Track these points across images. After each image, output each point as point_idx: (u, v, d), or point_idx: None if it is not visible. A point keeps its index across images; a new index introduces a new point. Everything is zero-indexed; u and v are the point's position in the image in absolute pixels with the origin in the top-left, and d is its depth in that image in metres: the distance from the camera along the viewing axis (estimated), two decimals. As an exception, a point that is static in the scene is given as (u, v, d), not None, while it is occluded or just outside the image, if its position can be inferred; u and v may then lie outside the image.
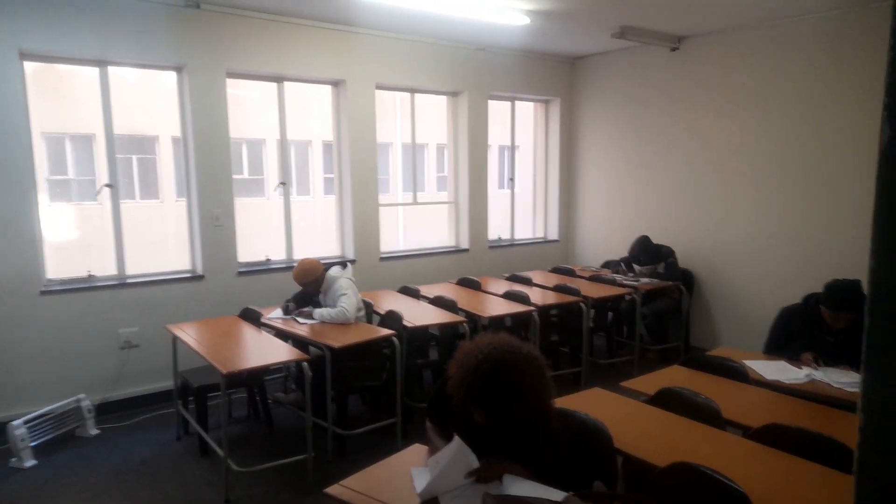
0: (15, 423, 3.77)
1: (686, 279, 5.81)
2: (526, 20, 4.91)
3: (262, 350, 3.69)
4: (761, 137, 5.38)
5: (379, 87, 5.68)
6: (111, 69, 4.51)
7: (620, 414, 2.67)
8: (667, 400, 2.80)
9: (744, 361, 3.25)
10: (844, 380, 3.01)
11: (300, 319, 4.12)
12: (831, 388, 2.98)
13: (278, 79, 5.22)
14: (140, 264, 4.80)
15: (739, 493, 1.93)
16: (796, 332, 3.49)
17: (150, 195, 9.38)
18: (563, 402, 2.53)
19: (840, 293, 3.29)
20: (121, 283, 4.61)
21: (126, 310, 4.58)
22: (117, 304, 4.55)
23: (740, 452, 2.35)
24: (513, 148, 6.98)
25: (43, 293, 4.26)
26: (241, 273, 5.05)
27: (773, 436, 2.40)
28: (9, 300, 4.13)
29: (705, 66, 5.72)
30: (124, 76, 4.65)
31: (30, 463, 3.75)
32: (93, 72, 4.47)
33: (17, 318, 4.16)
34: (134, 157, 9.10)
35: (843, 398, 2.86)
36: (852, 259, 4.78)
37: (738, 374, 3.14)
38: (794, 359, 3.35)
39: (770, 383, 3.08)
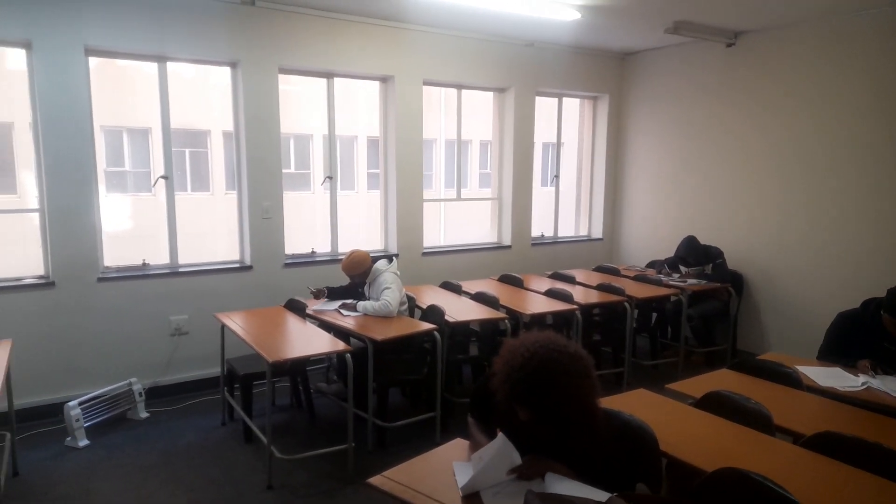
0: (70, 403, 3.94)
1: (735, 281, 5.65)
2: (577, 15, 4.84)
3: (307, 340, 3.76)
4: (818, 137, 5.17)
5: (426, 83, 5.70)
6: (169, 65, 4.66)
7: (665, 416, 2.61)
8: (714, 403, 2.73)
9: (796, 367, 3.14)
10: (905, 389, 2.87)
11: (344, 312, 4.17)
12: (889, 396, 2.86)
13: (328, 74, 5.29)
14: (191, 254, 4.95)
15: (791, 502, 1.87)
16: (854, 338, 3.36)
17: (201, 187, 9.66)
18: (606, 403, 2.48)
19: None
20: (173, 272, 4.76)
21: (177, 298, 4.72)
22: (169, 292, 4.70)
23: (792, 460, 2.28)
24: (558, 145, 6.91)
25: (100, 280, 4.43)
26: (287, 265, 5.15)
27: (828, 444, 2.32)
28: (68, 286, 4.32)
29: (763, 63, 5.52)
30: (179, 72, 4.80)
31: (83, 443, 3.91)
32: (150, 67, 4.62)
33: (75, 303, 4.35)
34: (187, 151, 9.38)
35: (903, 408, 2.74)
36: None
37: (790, 380, 3.04)
38: (851, 365, 3.23)
39: (824, 390, 2.97)
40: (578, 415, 1.92)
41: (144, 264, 4.73)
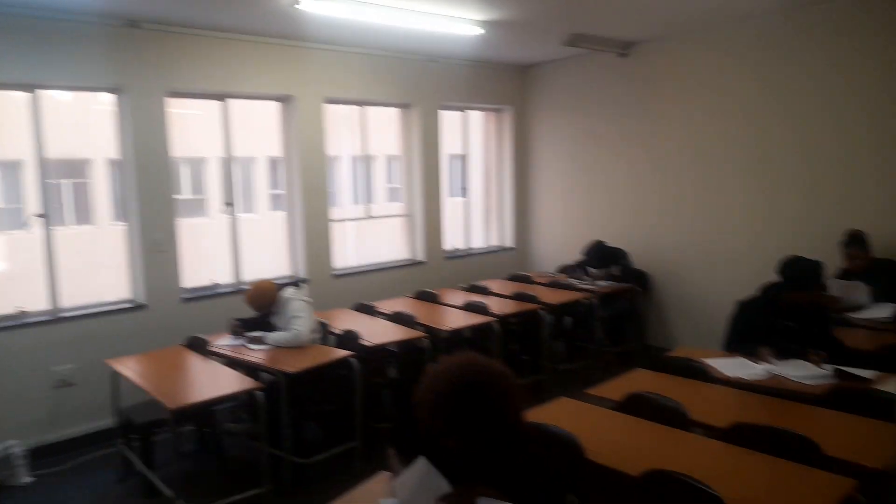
0: (-63, 477, 3.44)
1: (641, 280, 5.86)
2: (479, 31, 4.87)
3: (212, 381, 3.50)
4: (710, 140, 5.48)
5: (328, 102, 5.54)
6: (42, 92, 4.24)
7: (589, 423, 2.62)
8: (634, 405, 2.77)
9: (704, 360, 3.26)
10: (803, 373, 3.03)
11: (252, 346, 3.92)
12: (790, 381, 3.00)
13: (223, 97, 5.02)
14: (75, 296, 4.49)
15: (715, 497, 1.91)
16: (755, 322, 3.46)
17: (84, 220, 8.92)
18: (531, 415, 2.46)
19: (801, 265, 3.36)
20: (54, 318, 4.31)
21: (61, 346, 4.28)
22: (51, 340, 4.25)
23: (711, 454, 2.34)
24: (465, 158, 6.94)
25: (-34, 333, 3.93)
26: (185, 300, 4.81)
27: (741, 435, 2.41)
28: (-73, 343, 3.80)
29: (653, 71, 5.81)
30: (55, 97, 4.39)
31: (-45, 520, 3.42)
32: (21, 95, 4.18)
33: (-63, 361, 3.83)
34: (65, 182, 8.64)
35: (803, 391, 2.88)
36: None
37: (701, 374, 3.15)
38: (753, 354, 3.34)
39: (732, 380, 3.09)
40: (508, 435, 1.86)
41: (20, 312, 4.25)
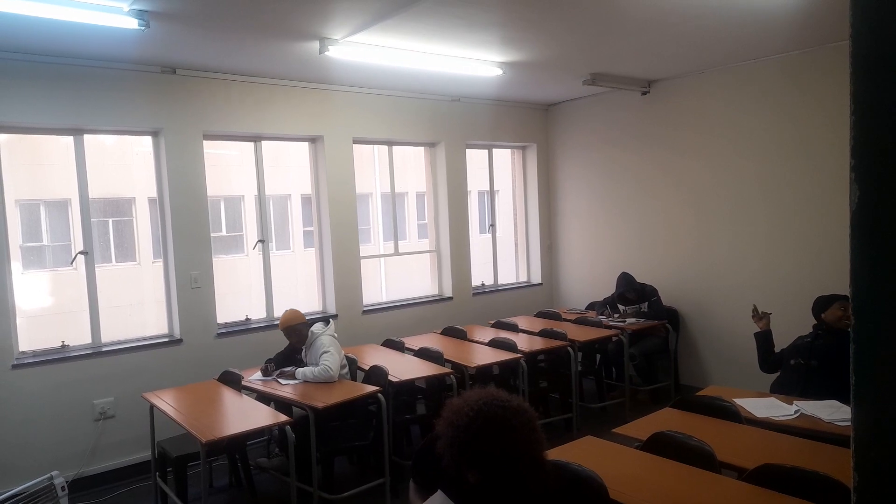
0: (-17, 506, 3.58)
1: (671, 317, 5.81)
2: (498, 72, 5.02)
3: (244, 415, 3.58)
4: (734, 174, 5.48)
5: (356, 142, 5.73)
6: (86, 135, 4.51)
7: (614, 462, 2.61)
8: (660, 445, 2.75)
9: (734, 400, 3.22)
10: (835, 415, 2.98)
11: (282, 380, 4.02)
12: (822, 423, 2.96)
13: (256, 138, 5.24)
14: (116, 330, 4.68)
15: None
16: (790, 355, 3.82)
17: (127, 258, 9.27)
18: (555, 453, 2.47)
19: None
20: (96, 352, 4.48)
21: (101, 379, 4.43)
22: (92, 373, 4.41)
23: (737, 496, 2.31)
24: (492, 195, 7.04)
25: (15, 367, 4.11)
26: (220, 335, 4.95)
27: (769, 476, 2.36)
28: (-22, 376, 3.99)
29: (676, 108, 5.86)
30: (100, 140, 4.65)
31: (-1, 549, 3.54)
32: (68, 139, 4.46)
33: (-14, 394, 4.01)
34: (110, 220, 9.02)
35: (835, 433, 2.83)
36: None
37: (730, 414, 3.11)
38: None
39: (761, 421, 3.05)
40: (528, 471, 1.88)
41: (64, 346, 4.44)
